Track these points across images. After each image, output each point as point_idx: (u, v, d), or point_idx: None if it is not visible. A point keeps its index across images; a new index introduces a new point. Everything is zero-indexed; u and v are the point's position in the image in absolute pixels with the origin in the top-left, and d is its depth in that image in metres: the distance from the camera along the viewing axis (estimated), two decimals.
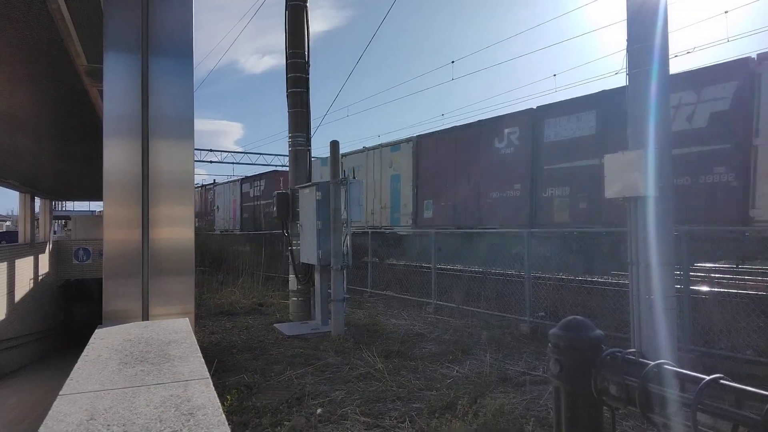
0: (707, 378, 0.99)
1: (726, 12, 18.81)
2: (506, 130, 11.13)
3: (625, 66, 5.28)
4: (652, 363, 1.07)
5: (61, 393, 1.88)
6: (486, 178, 11.44)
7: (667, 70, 5.08)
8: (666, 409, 1.02)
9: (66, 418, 1.66)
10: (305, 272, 9.05)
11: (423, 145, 13.45)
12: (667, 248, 4.90)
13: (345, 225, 8.00)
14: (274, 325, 8.68)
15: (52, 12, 4.14)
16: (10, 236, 29.99)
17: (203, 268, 16.62)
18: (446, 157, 12.63)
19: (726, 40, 23.44)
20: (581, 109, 9.61)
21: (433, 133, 13.46)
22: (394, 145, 14.49)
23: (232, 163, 39.40)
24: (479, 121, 12.04)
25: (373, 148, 15.32)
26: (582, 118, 9.59)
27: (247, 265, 14.87)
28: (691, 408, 0.94)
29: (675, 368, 1.07)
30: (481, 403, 4.72)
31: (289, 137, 9.47)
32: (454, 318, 8.98)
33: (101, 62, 3.37)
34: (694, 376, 1.03)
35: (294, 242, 9.23)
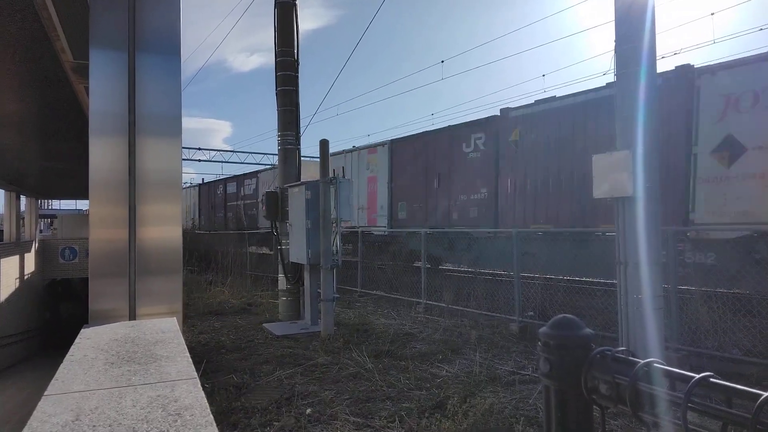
0: (697, 376, 0.99)
1: (712, 14, 19.03)
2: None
3: (613, 67, 5.31)
4: (642, 361, 1.07)
5: (46, 393, 1.85)
6: None
7: (655, 71, 5.12)
8: (656, 407, 1.02)
9: (51, 418, 1.63)
10: (295, 272, 9.02)
11: None
12: (654, 248, 4.94)
13: (334, 224, 7.98)
14: (264, 324, 8.64)
15: (38, 7, 4.09)
16: None
17: (191, 268, 16.51)
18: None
19: (712, 42, 23.67)
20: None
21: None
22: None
23: (221, 161, 39.18)
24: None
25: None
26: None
27: (236, 264, 14.80)
28: (681, 406, 0.94)
29: (665, 366, 1.07)
30: (470, 402, 4.72)
31: (279, 136, 9.43)
32: (443, 317, 8.99)
33: (87, 59, 3.32)
34: (684, 375, 1.03)
35: (283, 241, 9.19)
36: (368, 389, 5.28)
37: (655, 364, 1.06)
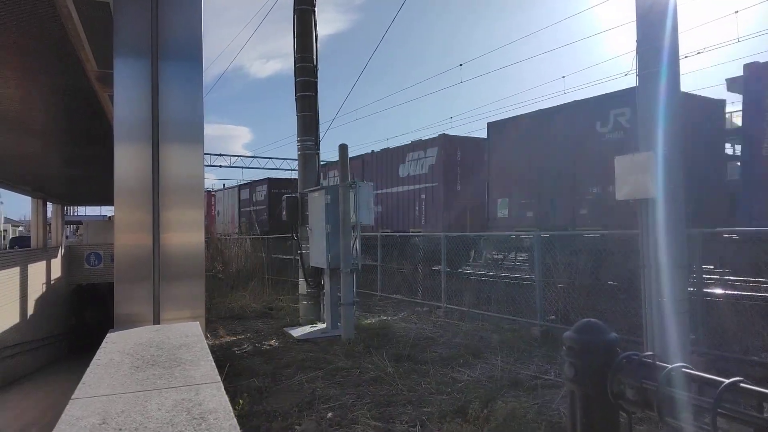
0: (727, 381, 0.97)
1: (736, 12, 18.69)
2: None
3: (634, 67, 5.24)
4: (670, 366, 1.05)
5: (73, 397, 1.88)
6: None
7: (678, 70, 5.04)
8: (685, 412, 1.00)
9: (78, 422, 1.66)
10: (315, 276, 9.05)
11: None
12: (679, 250, 4.85)
13: (354, 228, 8.00)
14: (284, 328, 8.68)
15: (63, 17, 4.18)
16: (23, 241, 30.29)
17: (213, 272, 16.67)
18: None
19: (736, 40, 23.20)
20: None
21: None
22: None
23: (241, 167, 39.60)
24: None
25: None
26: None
27: (257, 268, 14.91)
28: (711, 412, 0.92)
29: (693, 371, 1.05)
30: (492, 407, 4.68)
31: (298, 141, 9.50)
32: (464, 321, 8.94)
33: (111, 67, 3.39)
34: (713, 379, 1.01)
35: (303, 246, 9.24)
36: (389, 393, 5.27)
37: (684, 369, 1.04)
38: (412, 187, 14.67)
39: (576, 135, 10.05)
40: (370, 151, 16.76)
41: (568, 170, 10.13)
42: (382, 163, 15.90)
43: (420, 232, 13.94)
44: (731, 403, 0.98)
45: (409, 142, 15.16)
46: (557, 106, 11.01)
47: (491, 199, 11.99)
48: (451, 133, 14.49)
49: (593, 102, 9.93)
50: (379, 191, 15.41)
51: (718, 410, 0.93)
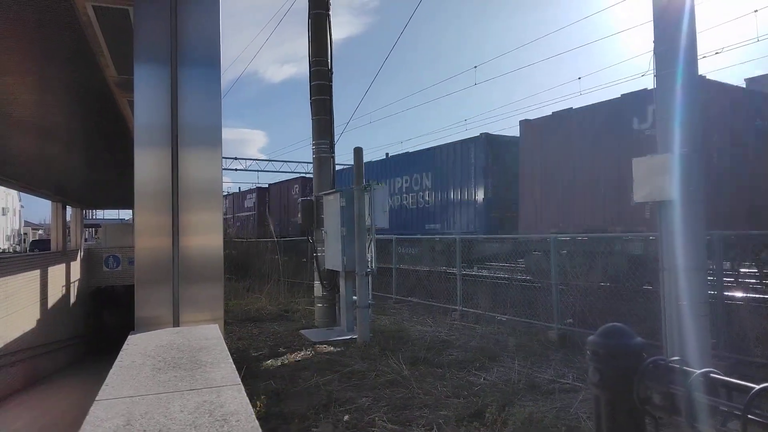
0: (757, 387, 0.96)
1: (756, 11, 18.42)
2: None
3: (651, 68, 5.20)
4: (698, 371, 1.04)
5: (97, 398, 1.90)
6: None
7: (696, 71, 4.99)
8: (713, 418, 0.99)
9: (103, 423, 1.68)
10: (330, 279, 9.08)
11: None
12: (698, 253, 4.79)
13: (369, 231, 8.01)
14: (300, 331, 8.71)
15: (83, 24, 4.25)
16: (43, 244, 30.77)
17: (229, 276, 16.79)
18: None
19: (756, 40, 22.80)
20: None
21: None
22: None
23: (257, 170, 39.85)
24: None
25: None
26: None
27: (272, 271, 14.99)
28: (741, 418, 0.91)
29: (722, 377, 1.04)
30: (509, 411, 4.66)
31: (313, 144, 9.54)
32: (480, 324, 8.90)
33: (130, 73, 3.43)
34: (743, 385, 1.00)
35: (319, 249, 9.27)
36: (405, 396, 5.26)
37: (712, 374, 1.03)
38: None
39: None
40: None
41: None
42: None
43: None
44: (760, 409, 0.96)
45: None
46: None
47: None
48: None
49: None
50: None
51: (749, 416, 0.92)
